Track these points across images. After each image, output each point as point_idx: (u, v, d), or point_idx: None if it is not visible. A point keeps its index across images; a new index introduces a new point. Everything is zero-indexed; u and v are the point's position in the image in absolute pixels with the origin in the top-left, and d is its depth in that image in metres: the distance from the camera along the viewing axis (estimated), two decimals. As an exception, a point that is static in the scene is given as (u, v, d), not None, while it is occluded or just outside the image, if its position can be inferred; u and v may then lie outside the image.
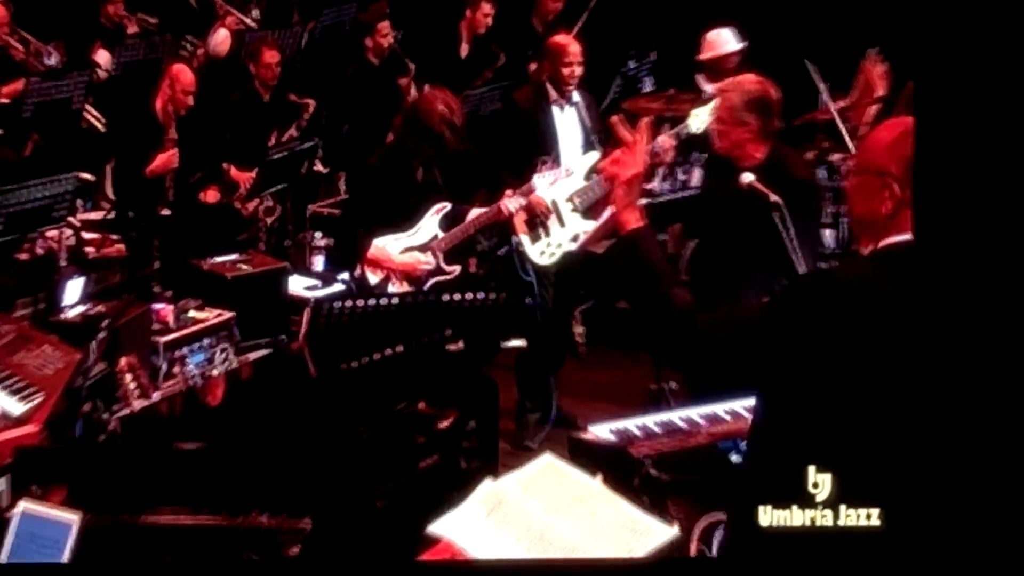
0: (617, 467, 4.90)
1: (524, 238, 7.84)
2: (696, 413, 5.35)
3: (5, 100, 9.87)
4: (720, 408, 5.37)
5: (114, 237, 8.85)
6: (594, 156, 8.00)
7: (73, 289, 7.42)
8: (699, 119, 6.97)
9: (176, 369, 7.10)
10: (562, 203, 7.86)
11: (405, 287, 7.21)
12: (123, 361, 6.57)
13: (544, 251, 7.89)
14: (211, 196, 9.48)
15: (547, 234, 7.87)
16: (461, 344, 6.77)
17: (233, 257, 8.47)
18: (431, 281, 7.29)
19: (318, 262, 8.88)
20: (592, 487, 4.44)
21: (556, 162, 7.92)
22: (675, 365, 4.45)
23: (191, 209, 9.23)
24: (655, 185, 8.66)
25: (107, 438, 6.21)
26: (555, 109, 8.08)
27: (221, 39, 11.44)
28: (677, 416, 5.34)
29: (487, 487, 4.36)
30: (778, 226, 5.88)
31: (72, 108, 9.95)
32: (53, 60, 10.56)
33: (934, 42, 3.43)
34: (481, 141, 8.68)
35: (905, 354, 3.40)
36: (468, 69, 11.05)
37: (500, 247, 8.86)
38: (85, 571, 4.16)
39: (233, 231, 9.38)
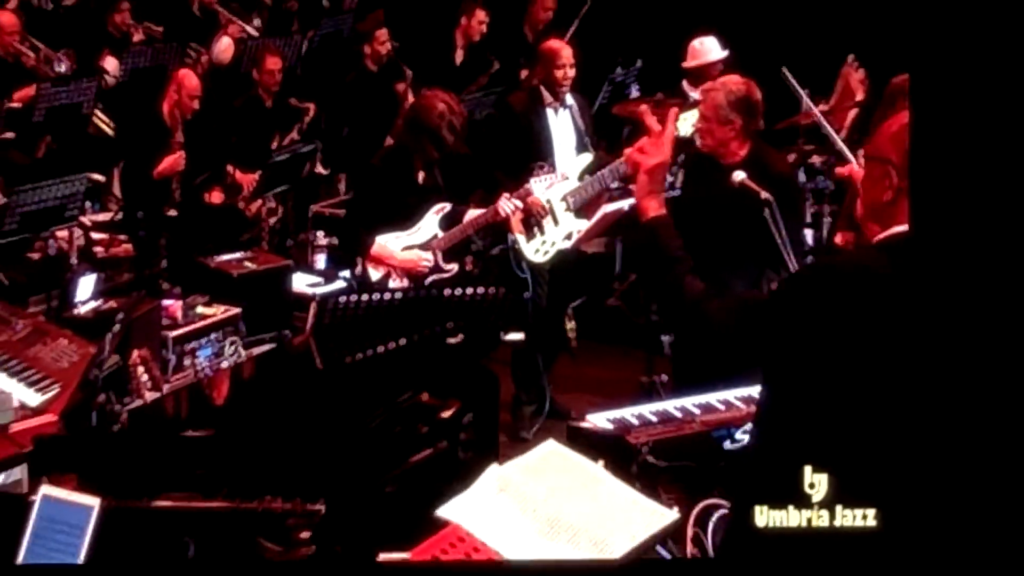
0: (615, 454, 4.90)
1: (520, 236, 7.84)
2: (690, 402, 5.35)
3: (17, 105, 9.84)
4: (713, 397, 5.38)
5: (121, 237, 8.84)
6: (587, 158, 8.00)
7: (85, 286, 7.41)
8: (687, 123, 6.96)
9: (187, 361, 7.09)
10: (556, 202, 7.85)
11: (405, 284, 7.18)
12: (135, 354, 6.57)
13: (539, 249, 7.88)
14: (216, 197, 9.46)
15: (542, 232, 7.85)
16: (460, 337, 6.78)
17: (239, 255, 8.48)
18: (430, 278, 7.27)
19: (320, 260, 8.86)
20: (595, 472, 4.44)
21: (552, 167, 7.89)
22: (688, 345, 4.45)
23: (197, 210, 9.20)
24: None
25: (120, 428, 6.21)
26: (549, 112, 8.07)
27: (224, 47, 11.48)
28: (672, 405, 5.35)
29: (493, 472, 4.35)
30: (768, 222, 5.87)
31: (81, 113, 9.97)
32: (63, 67, 10.56)
33: (929, 39, 3.41)
34: (476, 145, 8.65)
35: (906, 344, 3.38)
36: (463, 75, 11.03)
37: (494, 247, 8.86)
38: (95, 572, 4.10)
39: (237, 231, 9.37)
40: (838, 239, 7.72)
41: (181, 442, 5.98)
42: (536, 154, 7.93)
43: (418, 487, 5.86)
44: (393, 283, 7.22)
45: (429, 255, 7.33)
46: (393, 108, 10.46)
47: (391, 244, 7.27)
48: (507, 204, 7.50)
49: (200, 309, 7.51)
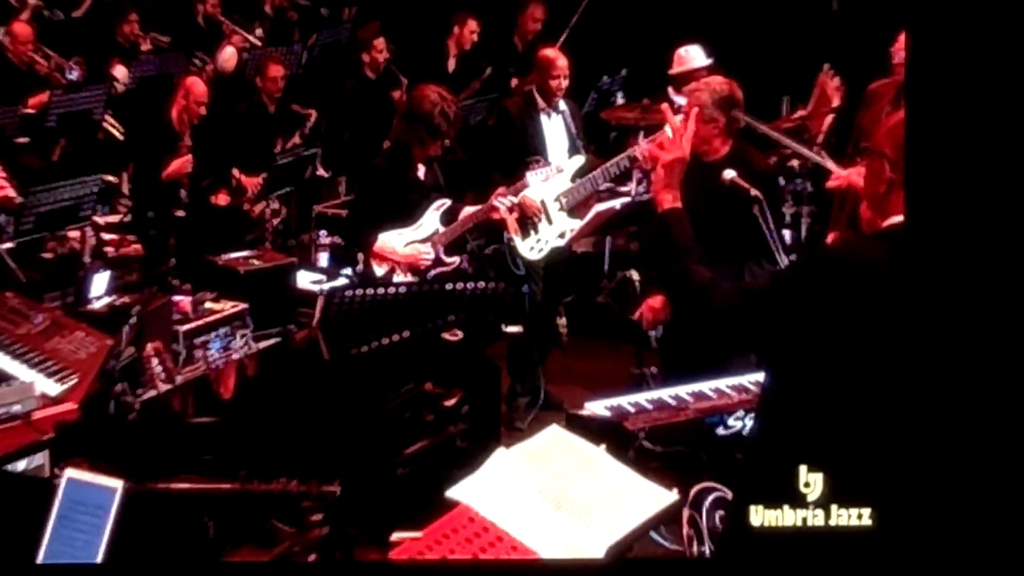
0: (613, 440, 4.87)
1: (515, 236, 7.83)
2: (684, 390, 5.34)
3: (31, 111, 9.80)
4: (706, 386, 5.37)
5: (131, 237, 8.80)
6: (579, 160, 8.00)
7: (99, 282, 7.36)
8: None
9: (198, 353, 7.05)
10: (550, 203, 7.86)
11: (409, 278, 7.15)
12: (149, 347, 6.55)
13: (533, 247, 7.88)
14: (222, 199, 9.43)
15: (536, 231, 7.86)
16: (459, 334, 6.77)
17: (245, 253, 8.49)
18: (433, 272, 7.24)
19: (323, 258, 8.82)
20: (597, 455, 4.43)
21: (545, 160, 7.90)
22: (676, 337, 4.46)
23: (203, 211, 9.17)
24: (631, 188, 8.66)
25: (135, 417, 6.19)
26: (543, 116, 8.07)
27: (228, 55, 11.49)
28: (666, 393, 5.33)
29: (500, 455, 4.33)
30: (759, 219, 5.86)
31: (92, 118, 9.94)
32: (75, 75, 10.55)
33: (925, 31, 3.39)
34: (471, 149, 8.64)
35: (902, 332, 3.37)
36: (455, 82, 11.00)
37: (488, 246, 8.85)
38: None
39: (242, 231, 9.36)
40: (830, 239, 7.70)
41: (194, 429, 5.95)
42: (530, 156, 7.92)
43: (422, 472, 5.84)
44: (397, 278, 7.18)
45: (430, 249, 7.30)
46: (390, 114, 10.45)
47: (393, 240, 7.24)
48: (502, 201, 7.47)
49: (209, 305, 7.47)
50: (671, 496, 4.28)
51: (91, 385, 5.64)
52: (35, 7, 11.39)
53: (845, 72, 9.22)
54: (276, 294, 8.10)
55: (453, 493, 4.17)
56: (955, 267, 3.30)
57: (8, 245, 7.39)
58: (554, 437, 4.46)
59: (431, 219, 7.31)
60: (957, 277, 3.29)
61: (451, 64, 11.52)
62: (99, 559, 3.98)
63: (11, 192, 7.28)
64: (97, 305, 7.25)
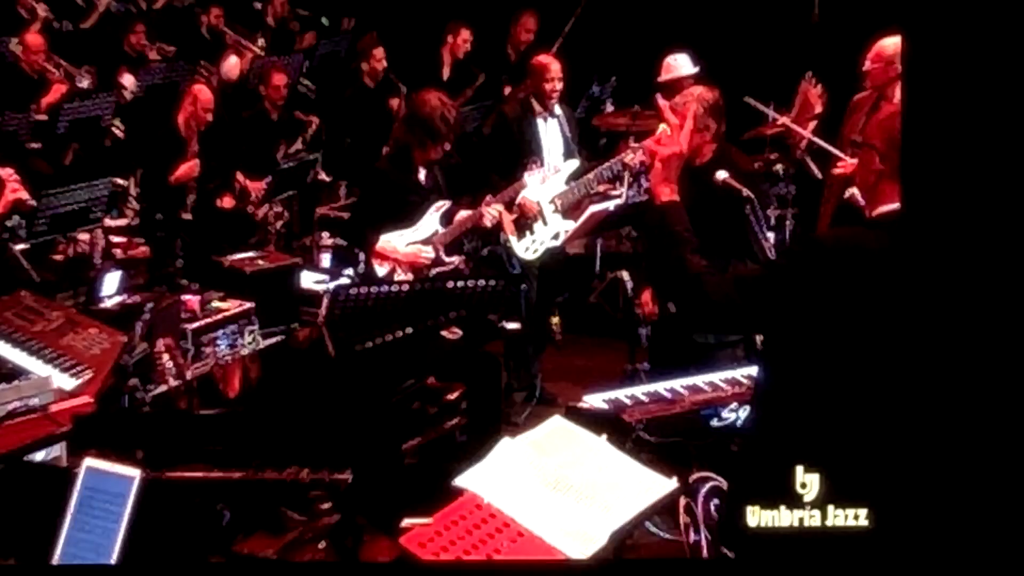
0: (611, 431, 4.86)
1: (512, 236, 7.82)
2: (679, 384, 5.32)
3: (43, 117, 9.78)
4: (700, 379, 5.35)
5: (138, 240, 8.79)
6: (574, 163, 8.00)
7: (111, 281, 7.36)
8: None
9: (208, 349, 7.03)
10: (545, 204, 7.84)
11: (409, 277, 7.12)
12: (160, 343, 6.53)
13: (529, 247, 7.87)
14: (227, 202, 9.42)
15: (532, 232, 7.85)
16: (457, 332, 6.76)
17: (251, 254, 8.55)
18: (433, 271, 7.21)
19: (325, 259, 8.82)
20: (599, 444, 4.41)
21: (541, 161, 7.89)
22: (686, 316, 4.45)
23: (209, 214, 9.15)
24: (622, 191, 8.64)
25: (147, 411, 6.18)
26: (539, 121, 8.05)
27: (231, 65, 11.52)
28: (662, 387, 5.31)
29: (506, 444, 4.31)
30: (750, 218, 5.84)
31: (101, 124, 9.94)
32: (85, 83, 10.56)
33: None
34: (467, 154, 8.63)
35: (896, 318, 3.35)
36: (450, 89, 10.98)
37: (483, 248, 8.84)
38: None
39: (246, 233, 9.36)
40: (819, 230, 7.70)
41: (204, 420, 5.94)
42: (528, 159, 7.90)
43: (428, 462, 5.83)
44: (398, 277, 7.16)
45: (430, 249, 7.27)
46: (388, 121, 10.46)
47: (394, 240, 7.21)
48: (491, 210, 7.45)
49: (216, 304, 7.48)
50: (671, 483, 4.26)
51: (105, 380, 5.61)
52: (45, 19, 11.43)
53: (826, 80, 9.22)
54: (281, 293, 8.11)
55: (461, 481, 4.15)
56: (952, 262, 3.28)
57: (22, 246, 7.35)
58: (557, 427, 4.45)
59: (431, 220, 7.28)
60: (955, 270, 3.28)
61: (445, 72, 11.51)
62: (118, 545, 3.96)
63: (25, 195, 7.24)
64: (109, 304, 7.24)
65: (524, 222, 7.80)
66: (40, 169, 9.34)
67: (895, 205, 3.51)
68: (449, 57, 11.56)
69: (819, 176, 8.55)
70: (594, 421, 4.93)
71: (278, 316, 7.93)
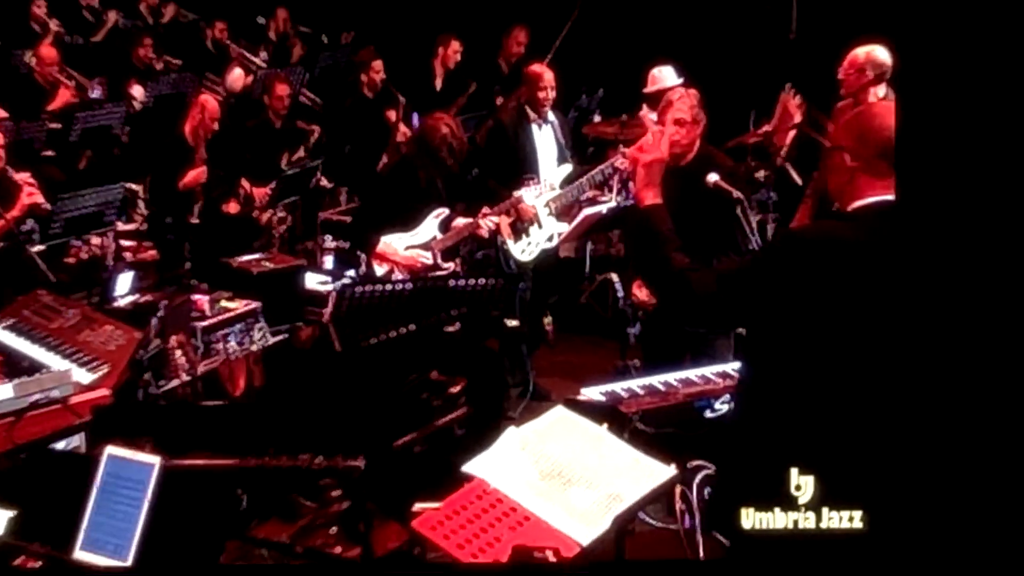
0: (609, 422, 4.84)
1: (509, 240, 7.82)
2: (672, 377, 5.30)
3: (57, 125, 9.76)
4: (692, 373, 5.34)
5: (147, 244, 8.75)
6: (567, 168, 8.00)
7: (124, 281, 7.32)
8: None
9: (218, 346, 7.00)
10: (540, 208, 7.83)
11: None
12: (173, 339, 6.50)
13: (524, 249, 7.87)
14: (232, 208, 9.39)
15: (528, 235, 7.84)
16: (457, 326, 6.73)
17: (258, 256, 8.53)
18: (430, 275, 7.21)
19: (328, 261, 8.79)
20: (600, 434, 4.39)
21: (539, 179, 7.91)
22: (672, 313, 4.44)
23: (215, 218, 9.13)
24: (611, 195, 8.64)
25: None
26: (534, 127, 8.06)
27: (236, 76, 11.51)
28: (656, 380, 5.29)
29: (511, 433, 4.30)
30: (740, 219, 5.81)
31: (111, 133, 9.92)
32: (97, 93, 10.53)
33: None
34: (464, 160, 8.62)
35: (877, 309, 3.34)
36: (443, 99, 11.00)
37: (478, 251, 8.83)
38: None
39: (251, 237, 9.33)
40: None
41: (217, 411, 5.92)
42: (523, 164, 7.96)
43: (434, 451, 5.82)
44: (396, 278, 7.15)
45: (428, 254, 7.27)
46: (386, 130, 10.45)
47: (394, 243, 7.21)
48: (487, 221, 7.46)
49: (224, 303, 7.43)
50: (670, 470, 4.24)
51: (122, 374, 5.61)
52: (57, 33, 11.42)
53: (804, 91, 9.23)
54: (286, 293, 8.08)
55: (468, 468, 4.13)
56: (946, 257, 3.26)
57: (38, 248, 7.31)
58: (560, 417, 4.43)
59: (429, 226, 7.29)
60: (947, 265, 3.26)
61: (438, 83, 11.49)
62: (139, 530, 3.94)
63: (40, 199, 7.23)
64: (122, 303, 7.20)
65: (521, 226, 7.81)
66: (53, 175, 9.30)
67: (872, 198, 3.49)
68: (441, 68, 11.55)
69: (800, 183, 8.56)
70: (592, 413, 4.92)
71: (283, 315, 7.91)
